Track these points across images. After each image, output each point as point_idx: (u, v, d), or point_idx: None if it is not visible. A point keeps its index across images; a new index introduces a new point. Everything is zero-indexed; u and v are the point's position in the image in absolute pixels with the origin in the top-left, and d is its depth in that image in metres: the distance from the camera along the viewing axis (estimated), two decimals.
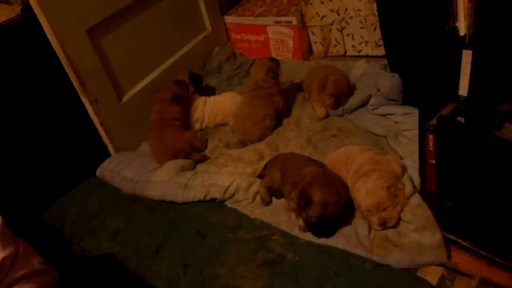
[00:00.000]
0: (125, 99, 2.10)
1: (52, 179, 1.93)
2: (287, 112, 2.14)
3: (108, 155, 2.06)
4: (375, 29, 2.26)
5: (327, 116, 2.04)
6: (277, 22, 2.51)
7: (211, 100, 2.24)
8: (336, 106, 2.02)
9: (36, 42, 1.75)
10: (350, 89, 2.04)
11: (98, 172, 2.02)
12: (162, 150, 1.99)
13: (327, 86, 2.01)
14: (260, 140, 2.02)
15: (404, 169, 1.58)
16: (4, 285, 1.00)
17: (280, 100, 2.08)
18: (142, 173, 1.89)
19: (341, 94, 2.01)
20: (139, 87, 2.17)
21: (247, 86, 2.20)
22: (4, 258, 1.02)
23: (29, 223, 1.79)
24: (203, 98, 2.23)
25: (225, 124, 2.22)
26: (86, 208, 1.85)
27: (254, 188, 1.71)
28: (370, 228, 1.46)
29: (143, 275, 1.50)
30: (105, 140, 2.03)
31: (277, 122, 2.09)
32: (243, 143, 2.03)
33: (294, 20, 2.44)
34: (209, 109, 2.20)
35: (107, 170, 2.00)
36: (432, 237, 1.35)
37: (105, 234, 1.71)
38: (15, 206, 1.74)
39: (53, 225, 1.81)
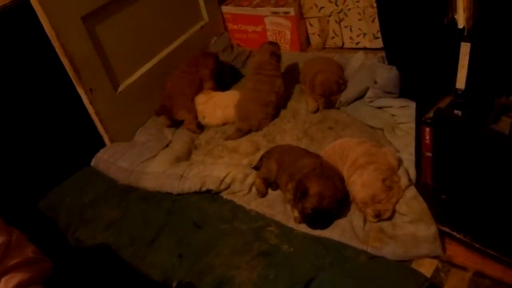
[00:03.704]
0: (120, 88, 2.07)
1: (47, 168, 1.91)
2: (284, 103, 2.14)
3: (103, 145, 2.05)
4: (373, 21, 2.25)
5: (318, 109, 2.04)
6: (274, 13, 2.48)
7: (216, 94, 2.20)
8: (327, 105, 2.02)
9: (30, 30, 1.72)
10: (341, 86, 2.02)
11: (93, 162, 2.01)
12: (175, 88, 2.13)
13: (315, 87, 2.00)
14: (259, 126, 2.02)
15: (400, 161, 1.58)
16: None
17: (281, 85, 2.09)
18: (137, 163, 1.88)
19: (330, 93, 2.00)
20: (134, 76, 2.14)
21: (249, 69, 2.20)
22: None
23: (23, 212, 1.78)
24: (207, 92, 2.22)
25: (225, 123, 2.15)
26: (81, 198, 1.84)
27: (250, 180, 1.71)
28: (365, 220, 1.46)
29: (138, 265, 1.50)
30: (101, 130, 2.01)
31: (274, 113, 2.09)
32: (241, 131, 2.02)
33: (292, 11, 2.42)
34: (212, 102, 2.16)
35: (102, 160, 1.98)
36: (427, 229, 1.36)
37: (100, 225, 1.70)
38: (9, 196, 1.73)
39: (48, 215, 1.80)
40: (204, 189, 1.73)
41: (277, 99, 2.07)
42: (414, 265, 1.32)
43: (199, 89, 2.20)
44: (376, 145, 1.65)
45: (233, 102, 2.10)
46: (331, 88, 1.99)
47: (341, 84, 2.03)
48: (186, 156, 1.96)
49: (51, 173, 1.92)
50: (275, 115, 2.08)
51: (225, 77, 2.37)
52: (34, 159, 1.87)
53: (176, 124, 2.16)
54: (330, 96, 2.00)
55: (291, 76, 2.32)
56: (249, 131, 2.03)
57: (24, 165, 1.84)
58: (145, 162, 1.88)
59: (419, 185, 1.52)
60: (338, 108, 2.02)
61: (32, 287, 1.04)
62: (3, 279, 1.00)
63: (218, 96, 2.17)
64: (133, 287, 1.44)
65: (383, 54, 1.88)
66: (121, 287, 1.44)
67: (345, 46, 2.46)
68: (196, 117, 2.13)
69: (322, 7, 2.39)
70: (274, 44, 2.14)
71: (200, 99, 2.16)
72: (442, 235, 1.36)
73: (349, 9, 2.31)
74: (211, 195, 1.73)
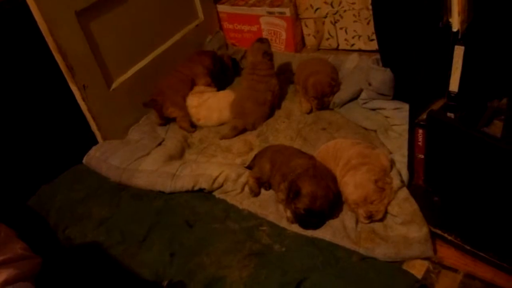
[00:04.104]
0: (114, 86, 2.06)
1: (39, 165, 1.89)
2: (279, 103, 2.14)
3: (95, 142, 2.03)
4: (368, 23, 2.25)
5: (311, 110, 2.05)
6: (270, 13, 2.48)
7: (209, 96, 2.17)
8: (320, 107, 2.03)
9: (24, 25, 1.70)
10: (333, 88, 2.03)
11: (84, 160, 1.99)
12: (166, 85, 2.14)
13: (308, 89, 2.01)
14: (254, 124, 2.02)
15: (392, 163, 1.58)
16: None
17: (276, 84, 2.10)
18: (129, 161, 1.87)
19: (323, 96, 2.00)
20: (128, 74, 2.13)
21: (245, 68, 2.20)
22: None
23: (13, 209, 1.76)
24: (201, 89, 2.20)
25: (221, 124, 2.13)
26: (72, 195, 1.82)
27: (242, 179, 1.70)
28: (357, 221, 1.46)
29: (129, 264, 1.49)
30: (93, 127, 2.00)
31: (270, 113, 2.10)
32: (236, 129, 2.01)
33: (287, 11, 2.42)
34: (206, 106, 2.13)
35: (93, 158, 1.97)
36: (418, 231, 1.36)
37: (90, 222, 1.69)
38: None
39: (38, 212, 1.78)
40: (196, 188, 1.72)
41: (272, 98, 2.08)
42: (405, 266, 1.33)
43: (192, 86, 2.19)
44: (369, 146, 1.65)
45: (228, 103, 2.10)
46: (324, 90, 2.00)
47: (334, 86, 2.03)
48: (179, 154, 1.95)
49: (43, 170, 1.90)
50: (270, 114, 2.09)
51: (227, 70, 2.37)
52: (26, 155, 1.85)
53: (167, 121, 2.15)
54: (322, 98, 2.01)
55: (285, 76, 2.32)
56: (243, 130, 2.02)
57: (15, 161, 1.82)
58: (138, 160, 1.87)
59: (411, 186, 1.53)
60: (332, 109, 2.03)
61: (21, 283, 1.02)
62: None
63: (212, 99, 2.13)
64: (123, 286, 1.43)
65: (378, 56, 1.89)
66: (112, 285, 1.43)
67: (340, 47, 2.46)
68: (188, 114, 2.12)
69: (317, 8, 2.40)
70: (264, 41, 2.12)
71: (193, 101, 2.13)
72: (433, 236, 1.37)
73: (345, 11, 2.32)
74: (204, 194, 1.72)
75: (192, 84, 2.20)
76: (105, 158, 1.93)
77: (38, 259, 1.12)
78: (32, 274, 1.08)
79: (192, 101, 2.13)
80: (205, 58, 2.26)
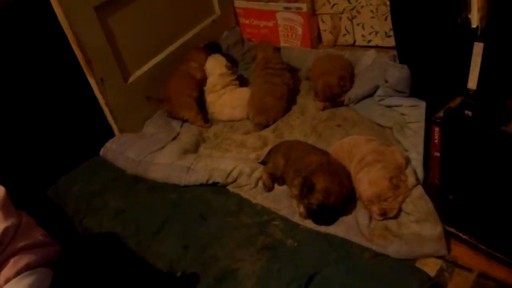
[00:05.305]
0: (131, 79, 2.09)
1: (57, 157, 1.93)
2: (294, 98, 2.15)
3: (112, 135, 2.06)
4: (386, 19, 2.23)
5: (324, 108, 2.04)
6: (287, 8, 2.48)
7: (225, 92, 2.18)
8: (332, 107, 2.03)
9: (44, 19, 1.74)
10: (343, 88, 2.01)
11: (101, 152, 2.03)
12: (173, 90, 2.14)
13: (318, 92, 2.01)
14: (276, 118, 2.03)
15: (407, 161, 1.57)
16: (5, 255, 1.01)
17: (290, 77, 2.12)
18: (145, 154, 1.90)
19: (333, 97, 2.00)
20: (145, 68, 2.16)
21: (255, 66, 2.22)
22: (7, 229, 1.03)
23: (33, 199, 1.80)
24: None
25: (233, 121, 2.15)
26: (89, 187, 1.86)
27: (256, 174, 1.71)
28: (371, 218, 1.46)
29: (144, 255, 1.52)
30: (110, 120, 2.03)
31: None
32: (260, 125, 2.01)
33: (304, 7, 2.41)
34: (220, 102, 2.16)
35: (110, 150, 2.00)
36: (432, 229, 1.35)
37: (107, 213, 1.72)
38: (19, 182, 1.75)
39: (56, 202, 1.82)
40: (211, 181, 1.74)
41: (288, 91, 2.08)
42: (418, 264, 1.32)
43: (195, 85, 2.18)
44: (384, 143, 1.64)
45: (242, 103, 2.11)
46: (333, 93, 2.00)
47: (343, 86, 2.01)
48: (194, 148, 1.97)
49: (61, 161, 1.94)
50: (287, 109, 2.09)
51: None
52: (45, 147, 1.89)
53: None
54: (334, 99, 2.01)
55: (301, 72, 2.31)
56: (266, 125, 2.02)
57: (35, 153, 1.86)
58: (153, 153, 1.90)
59: (427, 184, 1.52)
60: (347, 105, 2.02)
61: (40, 269, 1.05)
62: (12, 260, 1.02)
63: (227, 95, 2.15)
64: (138, 276, 1.46)
65: (395, 52, 1.87)
66: (126, 275, 1.46)
67: (356, 43, 2.44)
68: (199, 113, 2.13)
69: (334, 4, 2.38)
70: (270, 43, 2.24)
71: (211, 98, 2.17)
72: (447, 235, 1.36)
73: (362, 7, 2.30)
74: (218, 188, 1.74)
75: (194, 83, 2.19)
76: (122, 150, 1.96)
77: (57, 246, 1.15)
78: (51, 260, 1.11)
79: (210, 98, 2.18)
80: (200, 55, 2.24)
